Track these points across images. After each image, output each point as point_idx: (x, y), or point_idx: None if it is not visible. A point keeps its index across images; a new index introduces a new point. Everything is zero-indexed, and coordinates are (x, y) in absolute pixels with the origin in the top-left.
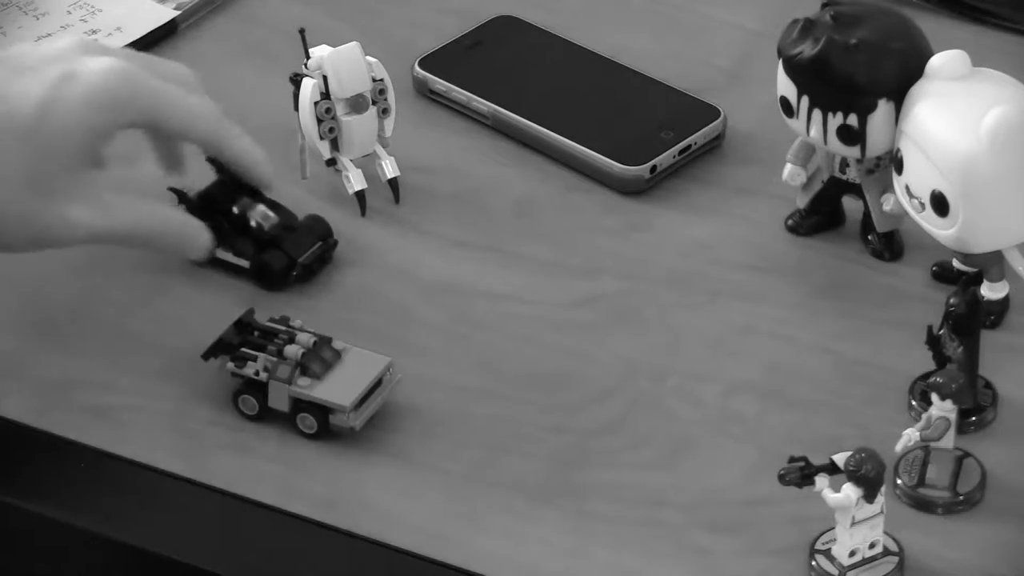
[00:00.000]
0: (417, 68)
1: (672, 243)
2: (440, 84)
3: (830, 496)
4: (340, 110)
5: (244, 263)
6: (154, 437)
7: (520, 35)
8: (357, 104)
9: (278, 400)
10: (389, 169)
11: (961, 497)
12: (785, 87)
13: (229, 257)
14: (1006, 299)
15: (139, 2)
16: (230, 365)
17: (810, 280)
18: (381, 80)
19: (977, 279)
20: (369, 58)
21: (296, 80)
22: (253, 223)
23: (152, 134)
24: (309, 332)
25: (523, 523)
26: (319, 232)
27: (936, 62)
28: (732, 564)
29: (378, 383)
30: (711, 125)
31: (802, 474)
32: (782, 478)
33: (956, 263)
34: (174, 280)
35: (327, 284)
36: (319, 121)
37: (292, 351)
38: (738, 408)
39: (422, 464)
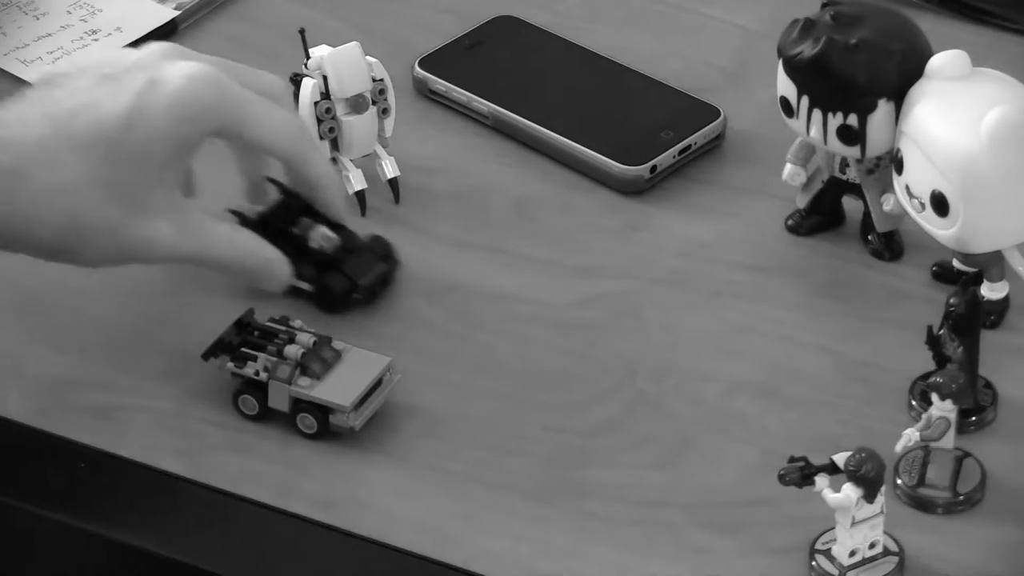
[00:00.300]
0: (417, 68)
1: (672, 243)
2: (440, 84)
3: (830, 496)
4: (340, 110)
5: (305, 286)
6: (154, 437)
7: (520, 35)
8: (357, 104)
9: (278, 400)
10: (389, 169)
11: (961, 497)
12: (785, 87)
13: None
14: (1006, 299)
15: (139, 2)
16: (230, 365)
17: (810, 280)
18: (381, 80)
19: (977, 279)
20: (369, 58)
21: (296, 80)
22: (314, 245)
23: (236, 149)
24: (309, 332)
25: (523, 523)
26: (381, 253)
27: (936, 62)
28: (732, 564)
29: (378, 383)
30: (711, 125)
31: (802, 474)
32: (782, 478)
33: (956, 263)
34: (174, 280)
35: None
36: (319, 121)
37: (292, 351)
38: (738, 408)
39: (422, 464)
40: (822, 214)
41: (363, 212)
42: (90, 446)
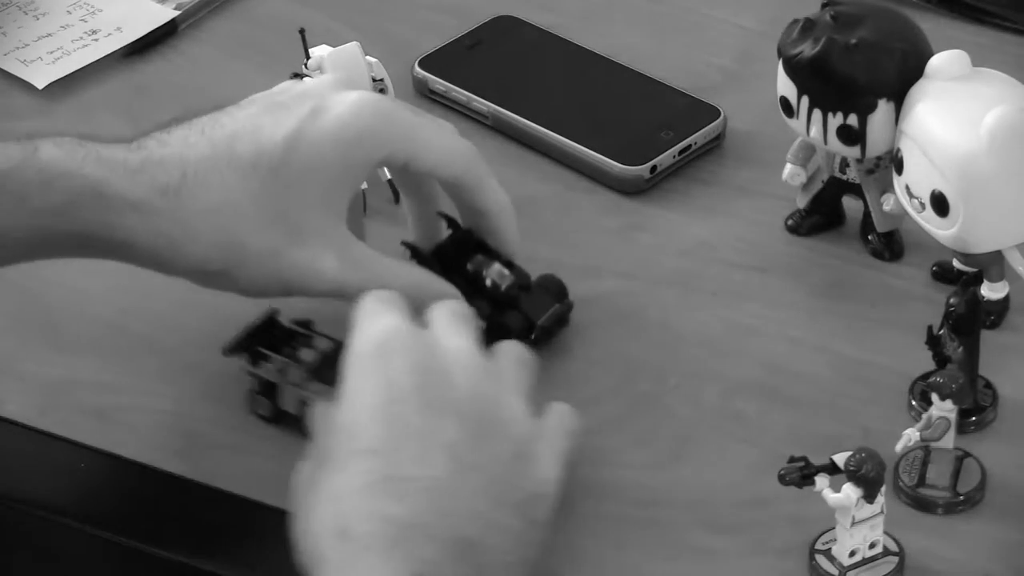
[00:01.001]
0: (417, 68)
1: (672, 243)
2: (440, 84)
3: (830, 496)
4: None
5: (480, 324)
6: (154, 437)
7: (520, 35)
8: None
9: (289, 402)
10: (388, 169)
11: (961, 497)
12: (785, 87)
13: None
14: (1006, 299)
15: (139, 2)
16: (245, 364)
17: (810, 280)
18: (381, 80)
19: (977, 279)
20: (369, 58)
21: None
22: (489, 282)
23: (406, 183)
24: (328, 338)
25: None
26: (555, 292)
27: (936, 62)
28: (732, 564)
29: None
30: (711, 125)
31: (802, 474)
32: (782, 478)
33: (956, 263)
34: (172, 279)
35: None
36: None
37: (307, 355)
38: (738, 408)
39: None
40: (822, 214)
41: (363, 211)
42: (90, 446)
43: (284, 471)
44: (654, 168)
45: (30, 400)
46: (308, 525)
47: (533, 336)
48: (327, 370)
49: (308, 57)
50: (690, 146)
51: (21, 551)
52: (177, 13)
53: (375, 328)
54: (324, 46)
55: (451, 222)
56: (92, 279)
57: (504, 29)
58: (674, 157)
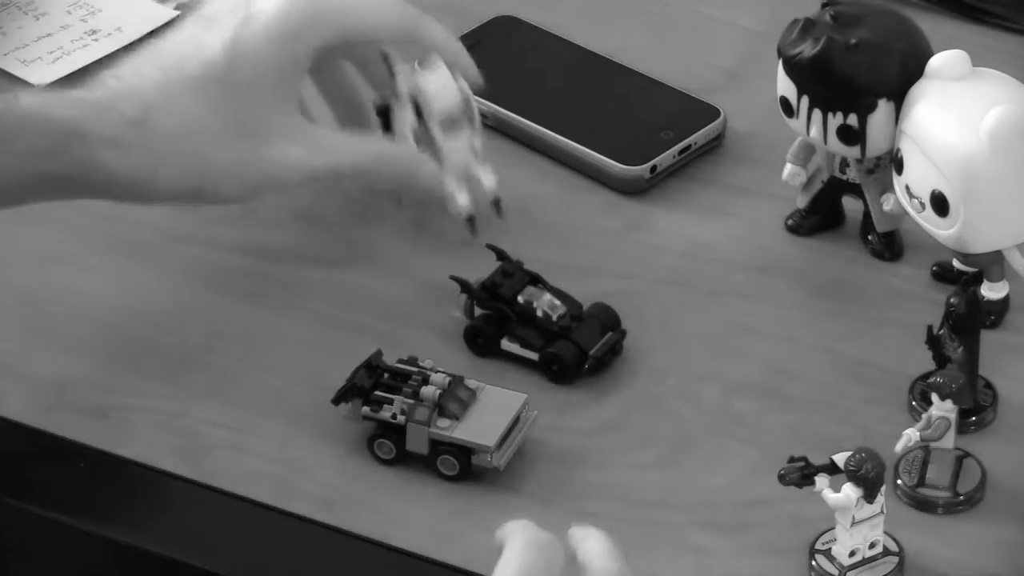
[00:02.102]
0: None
1: (672, 243)
2: None
3: (830, 496)
4: (436, 131)
5: (532, 355)
6: (154, 437)
7: (520, 35)
8: (452, 123)
9: (417, 443)
10: (489, 185)
11: (961, 497)
12: (785, 87)
13: (515, 349)
14: (1006, 299)
15: (139, 2)
16: (365, 409)
17: (810, 280)
18: (467, 97)
19: (977, 279)
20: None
21: (383, 110)
22: (540, 313)
23: (321, 77)
24: (442, 372)
25: None
26: (607, 322)
27: (936, 62)
28: (732, 564)
29: (516, 420)
30: (711, 125)
31: (802, 474)
32: (782, 478)
33: (956, 263)
34: (173, 280)
35: (322, 282)
36: (417, 145)
37: (428, 392)
38: (738, 408)
39: (421, 463)
40: (822, 214)
41: (473, 232)
42: (90, 446)
43: (284, 471)
44: (654, 168)
45: (30, 400)
46: None
47: (586, 367)
48: (449, 404)
49: (395, 82)
50: (690, 146)
51: (21, 551)
52: (177, 13)
53: None
54: (404, 66)
55: (500, 254)
56: (92, 279)
57: (504, 29)
58: (674, 157)
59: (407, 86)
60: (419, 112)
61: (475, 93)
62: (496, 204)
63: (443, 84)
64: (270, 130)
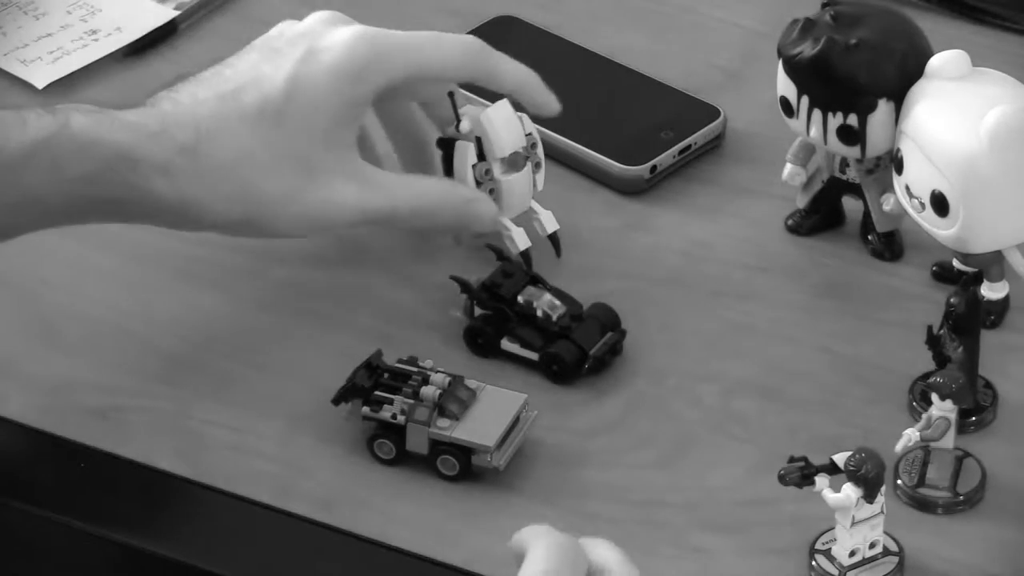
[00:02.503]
0: None
1: (672, 243)
2: None
3: (830, 496)
4: (497, 170)
5: (532, 355)
6: (154, 437)
7: (520, 35)
8: (514, 162)
9: (416, 443)
10: (548, 224)
11: (961, 497)
12: (785, 87)
13: (515, 349)
14: (1006, 299)
15: (139, 2)
16: (365, 409)
17: (810, 280)
18: (531, 134)
19: (977, 279)
20: (517, 113)
21: (446, 144)
22: (540, 313)
23: (388, 118)
24: (442, 372)
25: (523, 523)
26: (607, 322)
27: (936, 62)
28: (732, 564)
29: (516, 420)
30: (711, 125)
31: (802, 474)
32: (782, 478)
33: (956, 263)
34: (172, 280)
35: (322, 283)
36: (477, 183)
37: (428, 392)
38: (738, 408)
39: (421, 463)
40: (822, 214)
41: (529, 268)
42: (90, 446)
43: (283, 471)
44: (654, 168)
45: (30, 400)
46: None
47: (586, 367)
48: (449, 404)
49: (459, 120)
50: (690, 146)
51: (21, 551)
52: (177, 13)
53: None
54: (470, 106)
55: (500, 254)
56: (92, 279)
57: (505, 29)
58: (674, 157)
59: (471, 125)
60: (481, 151)
61: (550, 118)
62: (555, 242)
63: (505, 122)
64: (323, 167)
